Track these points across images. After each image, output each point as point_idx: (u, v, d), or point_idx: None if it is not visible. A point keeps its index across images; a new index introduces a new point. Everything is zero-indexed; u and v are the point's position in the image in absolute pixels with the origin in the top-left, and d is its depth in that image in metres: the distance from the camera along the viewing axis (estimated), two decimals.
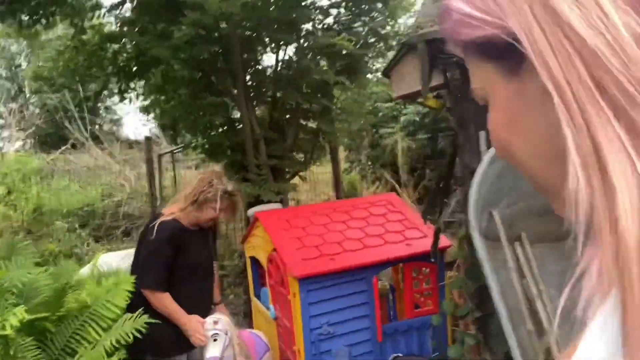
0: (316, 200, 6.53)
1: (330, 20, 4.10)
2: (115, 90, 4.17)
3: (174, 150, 6.06)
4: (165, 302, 2.27)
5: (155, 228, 2.32)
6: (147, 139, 5.25)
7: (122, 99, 4.02)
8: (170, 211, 2.43)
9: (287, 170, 3.94)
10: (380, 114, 7.17)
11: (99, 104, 15.51)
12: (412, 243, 2.81)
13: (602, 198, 0.30)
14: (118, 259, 4.44)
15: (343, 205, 3.25)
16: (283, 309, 2.81)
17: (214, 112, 3.53)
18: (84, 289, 2.19)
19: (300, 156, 4.08)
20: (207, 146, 3.81)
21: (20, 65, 17.14)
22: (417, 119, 6.94)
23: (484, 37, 0.38)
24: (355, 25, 4.02)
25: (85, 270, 3.95)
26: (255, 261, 3.65)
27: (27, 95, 16.46)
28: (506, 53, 0.37)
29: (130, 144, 13.46)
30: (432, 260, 2.67)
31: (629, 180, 0.29)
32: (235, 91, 3.54)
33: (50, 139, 13.49)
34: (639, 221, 0.28)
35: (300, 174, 4.04)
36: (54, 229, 6.47)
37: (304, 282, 2.52)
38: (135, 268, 2.40)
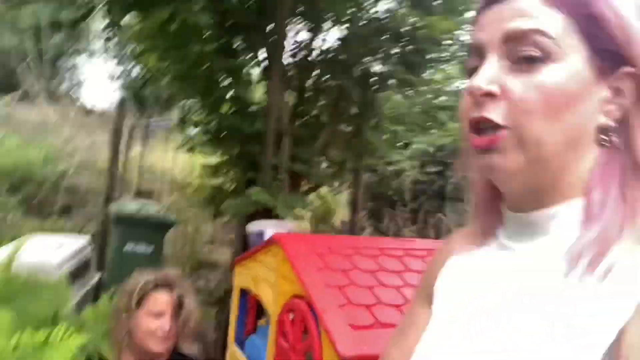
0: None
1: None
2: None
3: (157, 121, 4.99)
4: None
5: None
6: (121, 103, 4.18)
7: (110, 37, 2.98)
8: None
9: (307, 182, 3.02)
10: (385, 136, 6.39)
11: (61, 62, 13.98)
12: None
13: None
14: (53, 247, 3.31)
15: (392, 249, 2.36)
16: None
17: (237, 81, 2.58)
18: None
19: (324, 167, 3.18)
20: (214, 125, 2.83)
21: None
22: (431, 150, 6.21)
23: (607, 32, 0.53)
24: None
25: (1, 255, 2.83)
26: (245, 294, 2.69)
27: None
28: (608, 55, 0.52)
29: (88, 111, 12.09)
30: None
31: None
32: (268, 61, 2.62)
33: None
34: None
35: (320, 190, 3.13)
36: None
37: None
38: None
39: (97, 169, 6.13)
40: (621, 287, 0.47)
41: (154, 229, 3.74)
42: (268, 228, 2.65)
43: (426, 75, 3.45)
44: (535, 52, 0.53)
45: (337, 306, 1.78)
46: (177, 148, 4.17)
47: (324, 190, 4.30)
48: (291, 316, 1.99)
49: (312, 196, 3.27)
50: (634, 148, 0.53)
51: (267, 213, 2.68)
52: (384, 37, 2.68)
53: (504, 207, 0.63)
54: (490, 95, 0.54)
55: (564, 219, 0.55)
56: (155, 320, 1.57)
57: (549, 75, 0.52)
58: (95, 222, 5.21)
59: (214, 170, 2.96)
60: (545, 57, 0.53)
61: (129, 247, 3.69)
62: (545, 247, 0.56)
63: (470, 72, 0.59)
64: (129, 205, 3.94)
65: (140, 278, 1.62)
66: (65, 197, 6.27)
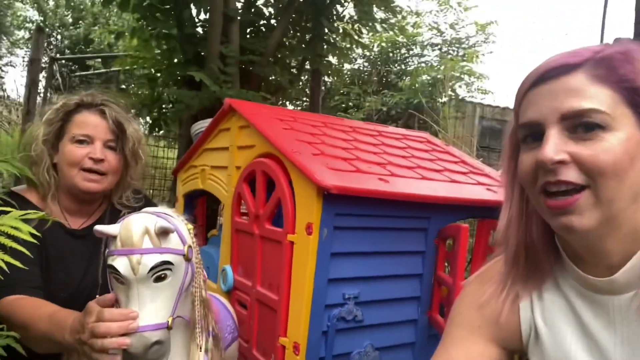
0: None
1: None
2: None
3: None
4: None
5: None
6: (38, 29, 3.64)
7: None
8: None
9: (262, 82, 2.66)
10: (336, 97, 6.14)
11: None
12: (493, 190, 1.71)
13: None
14: None
15: (364, 128, 2.09)
16: (261, 267, 1.54)
17: None
18: None
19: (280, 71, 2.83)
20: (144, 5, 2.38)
21: None
22: (384, 109, 6.02)
23: None
24: None
25: None
26: (191, 205, 2.31)
27: None
28: None
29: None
30: None
31: None
32: None
33: None
34: None
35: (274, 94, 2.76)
36: None
37: (333, 204, 1.30)
38: None
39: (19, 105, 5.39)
40: None
41: None
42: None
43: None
44: (594, 123, 0.62)
45: (310, 155, 1.48)
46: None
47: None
48: (251, 185, 1.66)
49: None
50: None
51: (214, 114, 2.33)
52: None
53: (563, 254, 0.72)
54: (561, 163, 0.62)
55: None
56: (81, 147, 1.19)
57: (612, 140, 0.60)
58: None
59: (150, 67, 2.52)
60: (604, 127, 0.61)
61: None
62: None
63: (523, 138, 0.69)
64: None
65: (60, 100, 1.25)
66: None
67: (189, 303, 0.89)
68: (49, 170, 1.18)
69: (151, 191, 5.57)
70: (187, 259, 0.85)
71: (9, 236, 0.71)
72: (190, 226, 0.93)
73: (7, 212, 0.74)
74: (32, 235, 0.73)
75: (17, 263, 0.72)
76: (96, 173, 1.20)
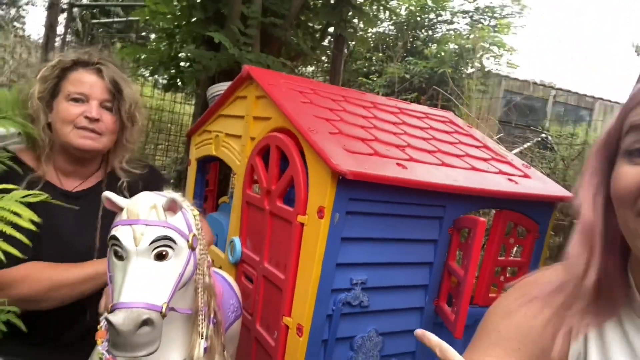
0: None
1: None
2: None
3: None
4: None
5: None
6: None
7: None
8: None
9: (283, 45, 2.58)
10: (358, 62, 5.94)
11: None
12: (514, 180, 1.65)
13: None
14: None
15: (383, 104, 2.02)
16: (270, 243, 1.52)
17: None
18: None
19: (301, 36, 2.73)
20: None
21: None
22: (407, 76, 5.85)
23: None
24: None
25: None
26: (203, 170, 2.29)
27: None
28: None
29: None
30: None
31: None
32: None
33: None
34: None
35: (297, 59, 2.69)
36: None
37: (347, 189, 1.25)
38: None
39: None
40: None
41: None
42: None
43: None
44: None
45: (326, 133, 1.42)
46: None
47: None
48: (264, 158, 1.62)
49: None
50: None
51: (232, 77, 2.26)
52: None
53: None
54: None
55: None
56: (76, 105, 1.16)
57: None
58: None
59: (168, 22, 2.44)
60: None
61: None
62: None
63: (630, 151, 0.60)
64: None
65: (57, 57, 1.21)
66: None
67: (190, 294, 0.87)
68: (45, 129, 1.16)
69: (166, 145, 5.58)
70: (191, 247, 0.83)
71: (8, 222, 0.69)
72: (197, 213, 0.90)
73: (9, 191, 0.72)
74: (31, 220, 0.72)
75: (15, 251, 0.70)
76: (92, 132, 1.18)
